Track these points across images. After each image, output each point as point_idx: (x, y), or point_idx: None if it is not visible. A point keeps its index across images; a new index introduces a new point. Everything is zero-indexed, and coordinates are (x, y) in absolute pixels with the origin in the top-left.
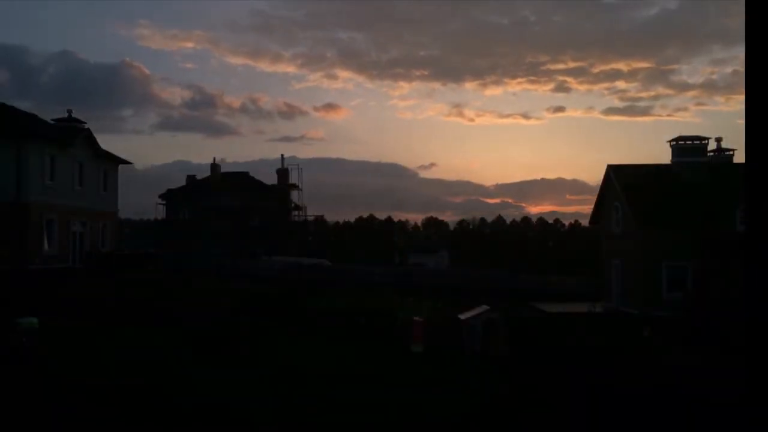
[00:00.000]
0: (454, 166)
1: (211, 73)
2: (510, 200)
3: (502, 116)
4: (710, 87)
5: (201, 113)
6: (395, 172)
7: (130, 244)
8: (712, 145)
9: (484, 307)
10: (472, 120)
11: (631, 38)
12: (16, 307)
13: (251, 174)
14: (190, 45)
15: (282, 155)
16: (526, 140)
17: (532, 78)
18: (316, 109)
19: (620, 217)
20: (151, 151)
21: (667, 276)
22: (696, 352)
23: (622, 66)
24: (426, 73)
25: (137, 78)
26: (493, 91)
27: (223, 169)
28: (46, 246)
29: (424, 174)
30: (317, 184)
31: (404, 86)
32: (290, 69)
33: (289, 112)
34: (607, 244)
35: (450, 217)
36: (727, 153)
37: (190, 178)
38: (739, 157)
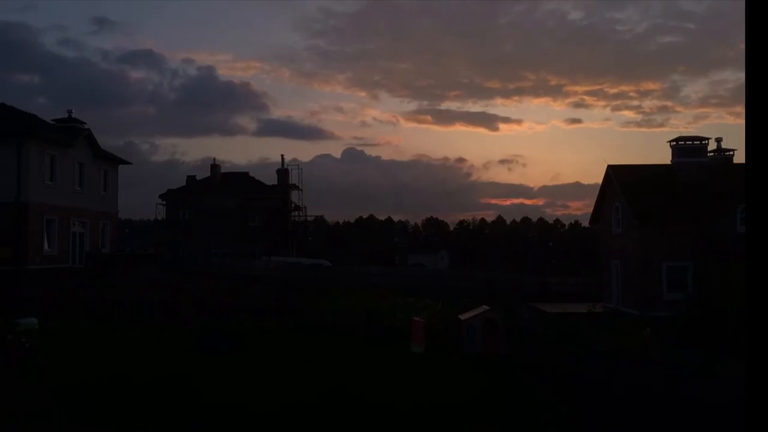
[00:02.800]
0: (495, 171)
1: (277, 93)
2: (554, 201)
3: (533, 128)
4: (715, 104)
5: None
6: (446, 173)
7: (131, 244)
8: (712, 146)
9: (484, 307)
10: (497, 130)
11: (642, 66)
12: (16, 307)
13: (251, 174)
14: (260, 74)
15: (282, 156)
16: (558, 148)
17: (554, 98)
18: (370, 123)
19: (620, 217)
20: (253, 151)
21: (667, 276)
22: (696, 352)
23: (637, 87)
24: (460, 93)
25: (225, 93)
26: (523, 108)
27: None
28: (46, 246)
29: (470, 178)
30: (398, 183)
31: (441, 104)
32: (339, 89)
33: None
34: (607, 245)
35: (498, 215)
36: (727, 153)
37: (190, 179)
38: (739, 157)
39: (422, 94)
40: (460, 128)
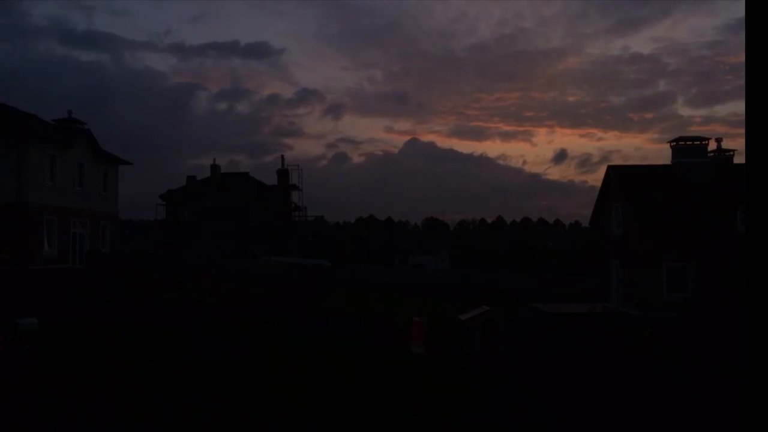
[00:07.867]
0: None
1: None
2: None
3: (568, 140)
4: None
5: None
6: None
7: (131, 244)
8: (712, 146)
9: (484, 307)
10: (535, 145)
11: (653, 103)
12: (16, 307)
13: (252, 174)
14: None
15: (282, 156)
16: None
17: (583, 123)
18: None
19: (620, 217)
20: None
21: (667, 276)
22: (696, 352)
23: (647, 116)
24: (501, 118)
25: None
26: (556, 130)
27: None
28: (46, 246)
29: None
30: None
31: (488, 125)
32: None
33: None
34: (607, 245)
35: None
36: (727, 153)
37: (190, 179)
38: (739, 157)
39: (470, 117)
40: (504, 146)
